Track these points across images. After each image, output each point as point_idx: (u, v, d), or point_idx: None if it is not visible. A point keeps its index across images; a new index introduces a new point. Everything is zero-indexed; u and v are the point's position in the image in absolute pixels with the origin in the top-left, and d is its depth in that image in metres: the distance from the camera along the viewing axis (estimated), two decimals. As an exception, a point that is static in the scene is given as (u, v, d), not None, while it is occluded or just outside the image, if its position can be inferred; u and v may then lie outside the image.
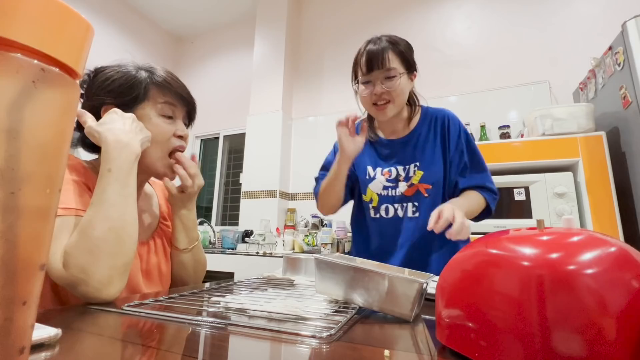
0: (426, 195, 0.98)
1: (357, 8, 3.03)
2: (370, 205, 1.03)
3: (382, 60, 0.91)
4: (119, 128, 0.58)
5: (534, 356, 0.24)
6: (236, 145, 3.54)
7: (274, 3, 3.17)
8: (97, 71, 0.69)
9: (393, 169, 1.02)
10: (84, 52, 0.19)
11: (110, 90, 0.67)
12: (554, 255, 0.26)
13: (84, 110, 0.61)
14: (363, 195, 1.05)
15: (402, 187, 1.00)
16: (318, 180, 1.11)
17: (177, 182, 0.74)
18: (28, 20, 0.16)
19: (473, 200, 0.99)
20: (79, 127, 0.65)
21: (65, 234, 0.53)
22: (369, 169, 1.05)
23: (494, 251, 0.30)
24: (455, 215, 0.81)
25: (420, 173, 0.99)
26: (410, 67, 0.96)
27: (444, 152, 1.01)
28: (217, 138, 3.61)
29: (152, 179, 0.83)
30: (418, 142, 1.02)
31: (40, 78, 0.16)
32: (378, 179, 1.03)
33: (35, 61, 0.16)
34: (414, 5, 2.81)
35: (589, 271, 0.25)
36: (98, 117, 0.65)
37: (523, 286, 0.26)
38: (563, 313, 0.24)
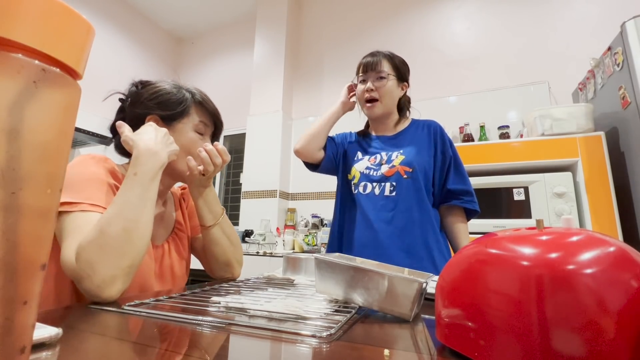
0: (405, 176, 1.06)
1: (357, 8, 3.03)
2: (352, 183, 1.13)
3: (376, 64, 1.10)
4: (150, 138, 0.63)
5: (533, 355, 0.24)
6: (236, 145, 3.53)
7: (274, 3, 3.17)
8: (144, 84, 0.76)
9: (378, 155, 1.13)
10: (84, 52, 0.19)
11: (159, 102, 0.73)
12: (553, 255, 0.26)
13: (122, 122, 0.66)
14: (348, 175, 1.16)
15: (384, 169, 1.09)
16: None
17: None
18: (29, 20, 0.16)
19: (466, 234, 1.11)
20: (114, 132, 0.74)
21: (88, 228, 0.54)
22: (359, 153, 1.18)
23: (494, 251, 0.30)
24: None
25: (401, 157, 1.08)
26: (401, 76, 1.13)
27: (429, 146, 1.11)
28: (217, 138, 3.60)
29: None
30: (405, 138, 1.14)
31: (41, 78, 0.17)
32: (363, 161, 1.14)
33: (36, 61, 0.16)
34: (413, 5, 2.81)
35: (588, 271, 0.25)
36: (142, 125, 0.70)
37: (522, 286, 0.26)
38: (562, 312, 0.24)
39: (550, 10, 2.34)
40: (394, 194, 1.06)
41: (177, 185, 0.91)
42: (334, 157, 1.20)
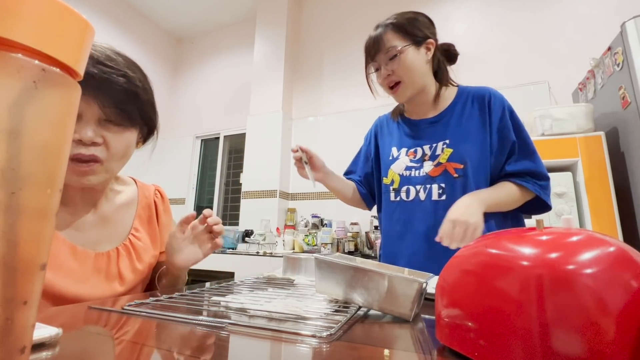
0: (456, 175, 0.86)
1: (357, 8, 3.03)
2: (391, 188, 0.95)
3: (380, 42, 0.89)
4: None
5: (533, 355, 0.24)
6: (236, 145, 3.54)
7: (274, 3, 3.17)
8: None
9: (419, 148, 0.94)
10: (84, 52, 0.19)
11: None
12: (553, 255, 0.26)
13: None
14: (384, 179, 0.97)
15: (427, 166, 0.90)
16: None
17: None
18: (28, 20, 0.16)
19: (505, 191, 0.85)
20: None
21: None
22: (394, 149, 0.98)
23: (494, 251, 0.30)
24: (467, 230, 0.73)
25: (449, 151, 0.88)
26: (416, 38, 0.90)
27: (482, 129, 0.89)
28: (218, 138, 3.61)
29: (141, 182, 0.80)
30: (450, 121, 0.92)
31: (41, 78, 0.17)
32: (401, 159, 0.95)
33: (36, 61, 0.16)
34: (413, 5, 2.80)
35: (588, 271, 0.25)
36: None
37: (522, 286, 0.26)
38: (562, 313, 0.24)
39: (550, 10, 2.34)
40: (443, 197, 0.86)
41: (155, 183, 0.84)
42: (371, 190, 1.07)
